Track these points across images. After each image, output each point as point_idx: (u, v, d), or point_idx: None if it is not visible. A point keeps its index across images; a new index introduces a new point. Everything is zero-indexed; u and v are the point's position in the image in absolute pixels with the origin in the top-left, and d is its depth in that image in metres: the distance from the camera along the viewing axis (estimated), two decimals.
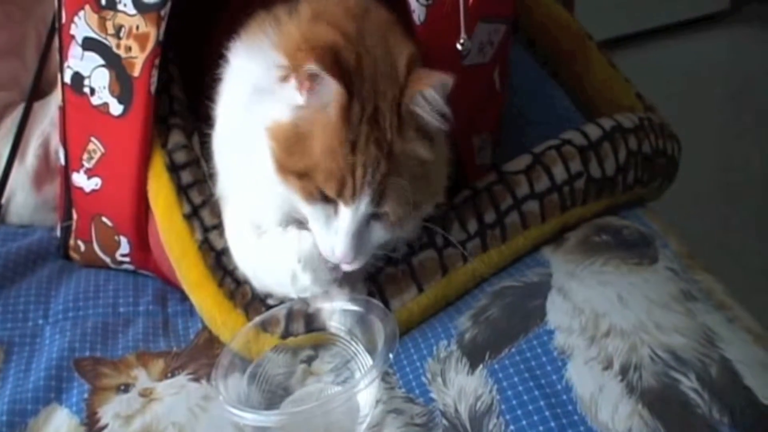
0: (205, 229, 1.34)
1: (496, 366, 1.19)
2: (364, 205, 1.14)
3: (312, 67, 1.10)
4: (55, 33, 1.44)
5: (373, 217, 1.16)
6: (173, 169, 1.37)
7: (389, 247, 1.23)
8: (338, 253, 1.17)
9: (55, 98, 1.52)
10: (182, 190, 1.36)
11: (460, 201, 1.35)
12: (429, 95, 1.13)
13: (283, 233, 1.23)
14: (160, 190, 1.38)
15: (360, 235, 1.16)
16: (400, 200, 1.15)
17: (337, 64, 1.11)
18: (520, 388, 1.15)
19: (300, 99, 1.14)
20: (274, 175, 1.16)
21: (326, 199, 1.15)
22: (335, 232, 1.17)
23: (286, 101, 1.15)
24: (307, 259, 1.20)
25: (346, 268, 1.20)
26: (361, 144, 1.12)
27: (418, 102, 1.13)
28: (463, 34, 1.27)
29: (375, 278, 1.30)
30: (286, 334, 1.25)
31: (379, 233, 1.18)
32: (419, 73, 1.14)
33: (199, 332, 1.37)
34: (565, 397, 1.13)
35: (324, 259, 1.19)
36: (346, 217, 1.15)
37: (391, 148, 1.13)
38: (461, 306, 1.30)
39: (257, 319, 1.25)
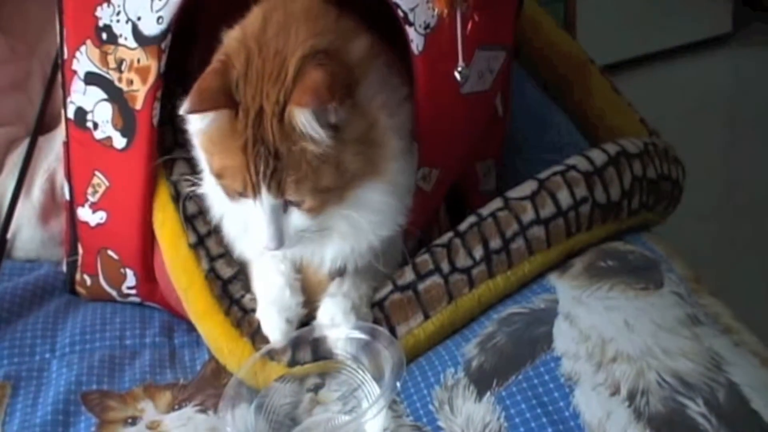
0: (211, 258, 1.35)
1: (503, 393, 1.19)
2: (265, 197, 1.18)
3: (187, 109, 1.17)
4: (59, 68, 1.44)
5: (290, 204, 1.20)
6: (178, 199, 1.37)
7: (314, 229, 1.23)
8: (263, 239, 1.21)
9: (60, 133, 1.53)
10: (188, 220, 1.37)
11: (466, 227, 1.35)
12: (305, 116, 1.15)
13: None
14: (165, 221, 1.38)
15: (277, 222, 1.20)
16: (301, 190, 1.18)
17: (212, 96, 1.16)
18: (528, 415, 1.15)
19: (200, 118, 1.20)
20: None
21: (242, 195, 1.21)
22: (258, 227, 1.21)
23: (204, 116, 1.19)
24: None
25: (278, 253, 1.25)
26: (249, 146, 1.17)
27: (297, 118, 1.15)
28: (460, 62, 1.28)
29: (381, 305, 1.31)
30: (292, 363, 1.26)
31: (298, 220, 1.21)
32: (305, 83, 1.16)
33: (205, 363, 1.37)
34: (572, 423, 1.13)
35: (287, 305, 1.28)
36: (259, 208, 1.19)
37: (276, 148, 1.16)
38: (468, 333, 1.30)
39: (264, 348, 1.26)
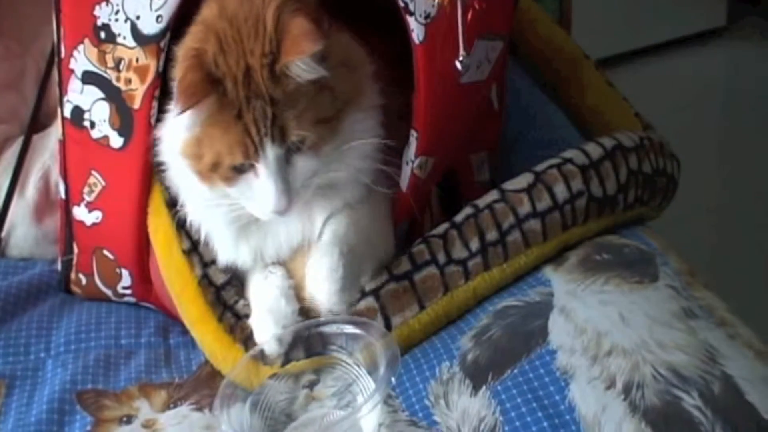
0: (204, 265, 1.35)
1: (498, 387, 1.19)
2: (270, 150, 1.19)
3: (181, 109, 1.17)
4: (54, 66, 1.44)
5: (291, 153, 1.21)
6: (172, 204, 1.37)
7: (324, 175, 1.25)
8: (272, 205, 1.21)
9: (55, 131, 1.52)
10: (181, 226, 1.36)
11: (462, 219, 1.35)
12: (301, 65, 1.17)
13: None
14: (159, 226, 1.38)
15: (284, 178, 1.20)
16: (303, 124, 1.19)
17: (198, 86, 1.17)
18: (524, 409, 1.15)
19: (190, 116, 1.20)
20: (204, 187, 1.25)
21: (241, 171, 1.21)
22: (264, 191, 1.21)
23: (184, 123, 1.21)
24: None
25: (289, 213, 1.23)
26: (244, 108, 1.18)
27: (291, 70, 1.18)
28: (462, 52, 1.28)
29: (377, 294, 1.30)
30: (286, 361, 1.25)
31: (304, 165, 1.22)
32: (292, 33, 1.18)
33: (201, 364, 1.37)
34: (568, 417, 1.13)
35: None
36: (263, 170, 1.20)
37: (270, 95, 1.18)
38: (463, 325, 1.30)
39: (257, 348, 1.26)
